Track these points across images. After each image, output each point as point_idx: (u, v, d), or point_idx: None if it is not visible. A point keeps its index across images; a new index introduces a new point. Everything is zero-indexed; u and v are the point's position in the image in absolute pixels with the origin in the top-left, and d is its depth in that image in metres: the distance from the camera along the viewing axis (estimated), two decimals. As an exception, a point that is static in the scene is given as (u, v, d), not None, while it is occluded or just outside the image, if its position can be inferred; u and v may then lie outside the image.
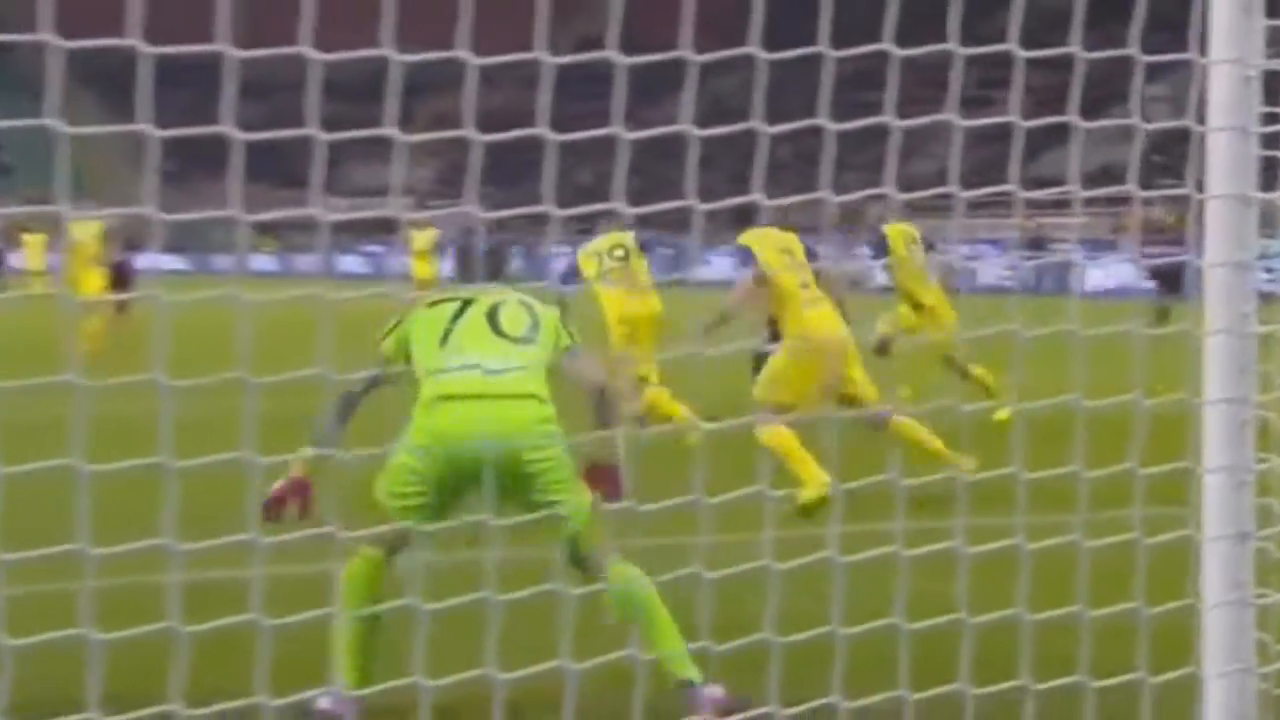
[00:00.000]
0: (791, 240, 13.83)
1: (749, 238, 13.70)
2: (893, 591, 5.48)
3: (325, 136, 4.73)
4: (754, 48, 5.27)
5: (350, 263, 61.85)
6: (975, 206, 6.14)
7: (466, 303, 6.93)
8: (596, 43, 5.40)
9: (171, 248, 57.98)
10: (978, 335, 5.94)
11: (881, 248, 18.44)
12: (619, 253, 17.93)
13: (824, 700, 5.39)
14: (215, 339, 5.59)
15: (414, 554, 6.54)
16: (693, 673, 6.50)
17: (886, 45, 5.49)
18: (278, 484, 6.79)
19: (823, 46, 5.31)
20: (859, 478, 5.85)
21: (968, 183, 5.67)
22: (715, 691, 6.38)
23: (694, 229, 5.47)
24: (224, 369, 4.91)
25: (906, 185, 5.79)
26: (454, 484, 6.63)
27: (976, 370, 17.20)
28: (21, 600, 5.09)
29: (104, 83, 44.31)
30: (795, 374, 12.74)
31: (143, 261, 31.87)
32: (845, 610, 5.36)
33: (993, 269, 43.49)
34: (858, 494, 5.94)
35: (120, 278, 30.15)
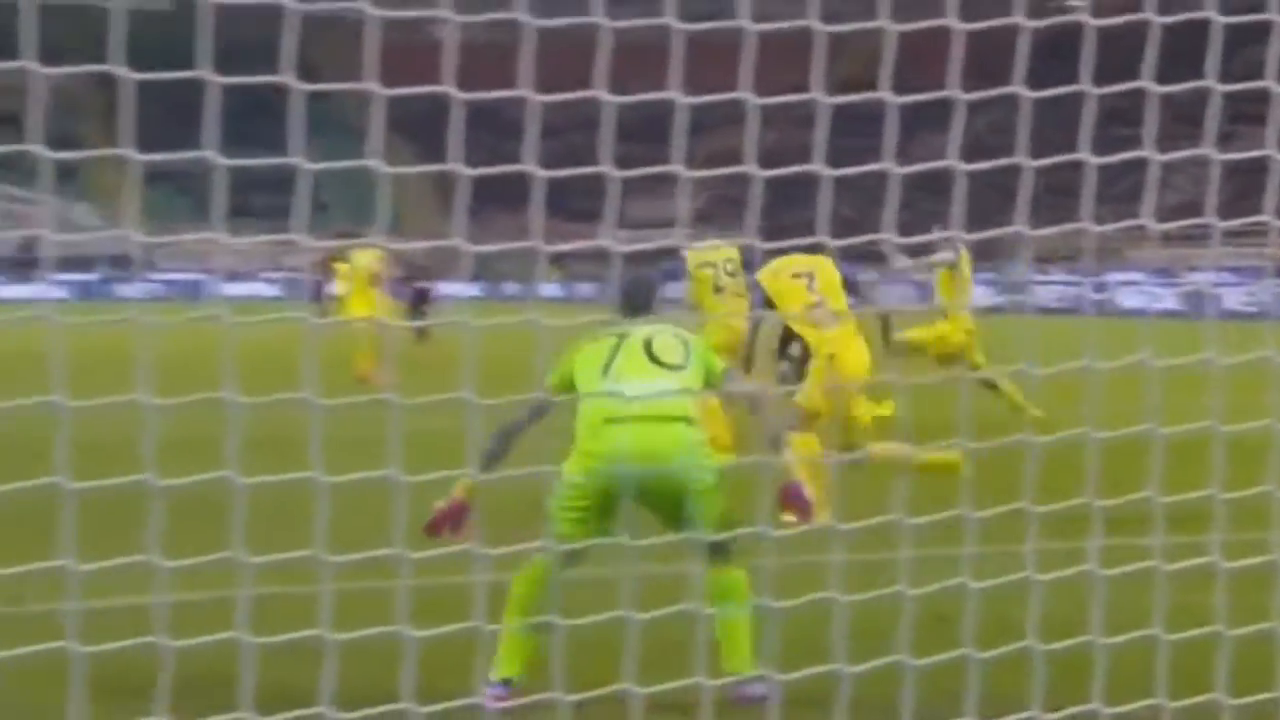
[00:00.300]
0: (815, 263, 12.08)
1: (764, 273, 12.22)
2: (1151, 603, 5.32)
3: (618, 174, 4.78)
4: (1018, 86, 5.21)
5: (629, 289, 62.52)
6: (1225, 235, 6.01)
7: (624, 336, 7.07)
8: (855, 83, 5.33)
9: (470, 276, 59.04)
10: (1236, 361, 5.75)
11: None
12: (730, 267, 15.91)
13: (1085, 707, 5.25)
14: (512, 360, 5.66)
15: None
16: (746, 667, 6.63)
17: (1146, 83, 5.42)
18: (439, 505, 6.81)
19: (1085, 85, 5.24)
20: (1116, 495, 5.68)
21: (1218, 213, 5.60)
22: (757, 688, 6.45)
23: (959, 257, 5.42)
24: (521, 389, 4.96)
25: (1158, 216, 5.71)
26: (614, 499, 6.80)
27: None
28: (346, 595, 5.18)
29: (409, 125, 45.35)
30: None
31: (447, 289, 32.35)
32: (1105, 620, 5.22)
33: (1235, 295, 42.60)
34: (1117, 510, 5.78)
35: (418, 304, 30.61)
